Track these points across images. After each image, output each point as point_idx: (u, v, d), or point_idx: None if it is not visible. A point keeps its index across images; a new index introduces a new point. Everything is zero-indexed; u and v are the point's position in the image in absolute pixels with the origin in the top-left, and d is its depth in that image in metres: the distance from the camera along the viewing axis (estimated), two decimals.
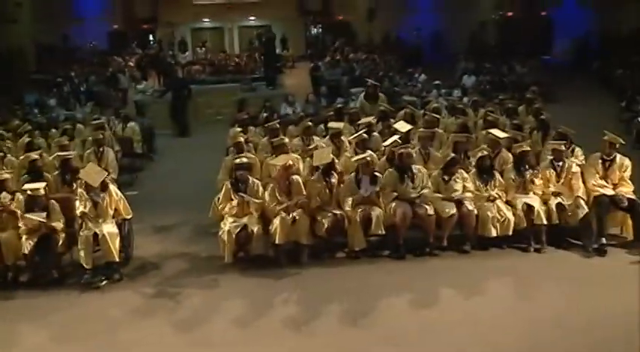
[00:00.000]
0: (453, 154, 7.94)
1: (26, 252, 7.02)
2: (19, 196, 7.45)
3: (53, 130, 11.53)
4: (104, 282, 7.09)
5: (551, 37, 25.98)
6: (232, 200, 7.46)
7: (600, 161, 7.83)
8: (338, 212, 7.49)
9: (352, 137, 8.89)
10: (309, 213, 7.51)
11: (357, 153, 8.34)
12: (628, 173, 7.79)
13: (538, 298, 6.53)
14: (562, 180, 7.77)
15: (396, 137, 8.51)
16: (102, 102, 16.37)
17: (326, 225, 7.39)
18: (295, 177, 7.64)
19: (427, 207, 7.42)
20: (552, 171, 7.81)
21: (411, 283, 6.92)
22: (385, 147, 8.53)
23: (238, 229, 7.30)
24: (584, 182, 7.76)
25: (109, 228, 7.18)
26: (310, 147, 8.63)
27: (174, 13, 26.20)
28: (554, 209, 7.56)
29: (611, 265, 7.24)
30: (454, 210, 7.49)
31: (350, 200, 7.54)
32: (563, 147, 7.85)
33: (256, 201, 7.43)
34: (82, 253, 7.04)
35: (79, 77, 18.82)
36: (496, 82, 17.66)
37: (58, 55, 23.10)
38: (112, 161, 9.69)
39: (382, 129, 9.65)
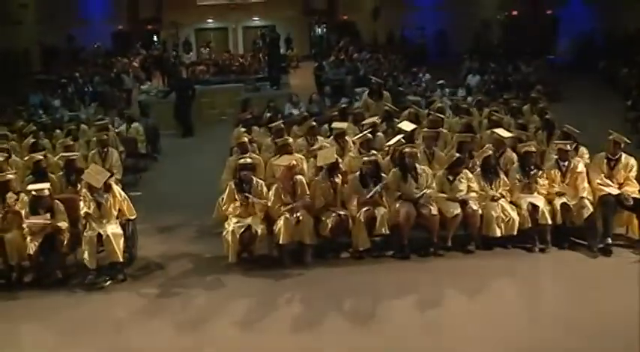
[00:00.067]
0: (457, 154, 7.90)
1: (31, 252, 7.03)
2: (24, 197, 7.47)
3: (57, 131, 11.56)
4: (108, 283, 7.10)
5: (556, 36, 25.88)
6: (236, 200, 7.45)
7: (605, 160, 7.78)
8: (342, 212, 7.48)
9: (356, 137, 8.87)
10: (313, 213, 7.50)
11: (361, 154, 8.32)
12: (634, 173, 7.74)
13: (543, 298, 6.52)
14: (567, 180, 7.73)
15: (399, 136, 8.49)
16: (106, 103, 16.41)
17: (330, 225, 7.38)
18: (299, 177, 7.63)
19: (431, 207, 7.39)
20: (557, 171, 7.77)
21: (416, 283, 6.91)
22: (389, 146, 8.51)
23: (242, 229, 7.29)
24: (589, 181, 7.72)
25: (113, 229, 7.19)
26: (314, 147, 8.61)
27: (178, 14, 26.22)
28: (559, 209, 7.52)
29: (616, 265, 7.20)
30: (458, 210, 7.46)
31: (355, 200, 7.53)
32: (568, 147, 7.80)
33: (260, 201, 7.42)
34: (86, 253, 7.05)
35: (84, 78, 18.84)
36: (501, 82, 17.59)
37: (62, 56, 23.17)
38: (116, 161, 9.71)
39: (386, 129, 9.65)
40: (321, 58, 20.53)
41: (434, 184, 7.64)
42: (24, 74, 21.37)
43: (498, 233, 7.52)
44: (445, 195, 7.63)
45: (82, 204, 7.33)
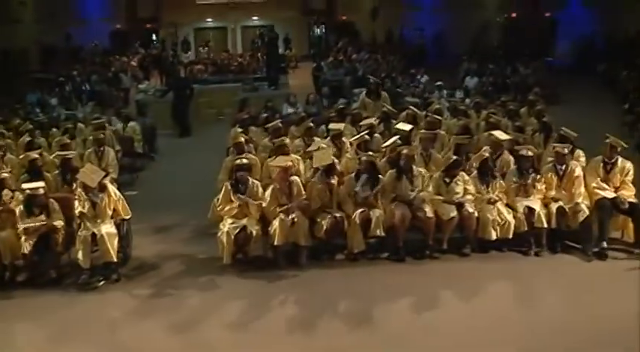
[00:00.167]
0: (454, 156, 7.88)
1: (26, 251, 7.00)
2: (19, 195, 7.45)
3: (54, 129, 11.52)
4: (102, 283, 7.06)
5: (555, 38, 25.91)
6: (232, 201, 7.43)
7: (602, 164, 7.76)
8: (338, 214, 7.46)
9: (354, 138, 8.86)
10: (308, 214, 7.48)
11: (358, 155, 8.31)
12: (630, 177, 7.73)
13: (538, 302, 6.49)
14: (564, 184, 7.70)
15: (395, 137, 8.47)
16: (104, 102, 16.39)
17: (325, 227, 7.36)
18: (295, 178, 7.60)
19: (426, 209, 7.38)
20: (554, 174, 7.75)
21: (411, 285, 6.89)
22: (385, 147, 8.49)
23: (237, 230, 7.27)
24: (585, 185, 7.70)
25: (107, 229, 7.15)
26: (310, 148, 8.59)
27: (177, 13, 26.21)
28: (555, 212, 7.50)
29: (611, 269, 7.19)
30: (455, 213, 7.45)
31: (350, 201, 7.51)
32: (565, 151, 7.78)
33: (255, 202, 7.40)
34: (80, 253, 7.01)
35: (81, 76, 18.83)
36: (499, 84, 17.60)
37: (60, 55, 23.14)
38: (112, 161, 9.68)
39: (383, 131, 9.63)
40: (319, 58, 20.53)
41: (430, 187, 7.62)
42: (22, 73, 21.34)
43: (494, 236, 7.51)
44: (441, 198, 7.61)
45: (76, 203, 7.30)
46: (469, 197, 7.61)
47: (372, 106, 11.08)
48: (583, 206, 7.49)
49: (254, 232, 7.28)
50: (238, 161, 7.67)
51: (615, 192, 7.65)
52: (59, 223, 7.18)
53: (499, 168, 8.13)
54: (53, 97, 16.36)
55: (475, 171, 7.88)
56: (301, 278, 7.16)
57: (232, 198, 7.44)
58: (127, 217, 7.61)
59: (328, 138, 9.18)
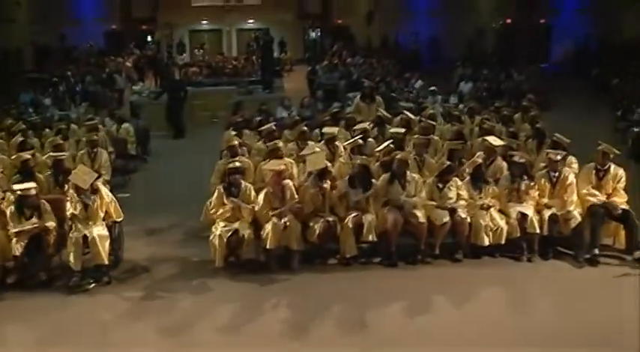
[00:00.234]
0: (448, 162, 7.89)
1: (17, 254, 6.94)
2: (10, 196, 7.40)
3: (47, 130, 11.47)
4: (92, 285, 7.02)
5: (549, 44, 26.06)
6: (224, 205, 7.41)
7: (594, 171, 7.79)
8: (330, 218, 7.45)
9: (347, 143, 8.86)
10: (301, 218, 7.47)
11: (351, 159, 8.32)
12: (622, 184, 7.75)
13: (530, 307, 6.50)
14: (557, 191, 7.71)
15: (388, 142, 8.48)
16: (97, 103, 16.34)
17: (318, 231, 7.35)
18: (288, 181, 7.59)
19: (419, 214, 7.38)
20: (547, 181, 7.76)
21: (403, 290, 6.88)
22: (378, 151, 8.49)
23: (229, 233, 7.25)
24: (577, 192, 7.72)
25: (99, 231, 7.12)
26: (303, 152, 8.57)
27: (172, 15, 26.20)
28: (547, 219, 7.52)
29: (603, 276, 7.21)
30: (447, 218, 7.45)
31: (343, 205, 7.51)
32: (558, 158, 7.80)
33: (247, 206, 7.38)
34: (71, 255, 6.97)
35: (75, 77, 18.77)
36: (493, 89, 17.65)
37: (54, 55, 23.07)
38: (105, 162, 9.65)
39: (377, 135, 9.64)
40: (314, 61, 20.55)
41: (423, 193, 7.62)
42: (16, 73, 21.27)
43: (487, 242, 7.52)
44: (434, 203, 7.61)
45: (68, 204, 7.26)
46: (462, 202, 7.61)
47: (366, 110, 11.09)
48: (575, 213, 7.52)
49: (246, 235, 7.26)
50: (232, 164, 7.66)
51: (607, 199, 7.67)
52: (51, 224, 7.14)
53: (492, 174, 8.15)
54: (47, 98, 16.30)
55: (468, 177, 7.89)
56: (293, 283, 7.14)
57: (225, 201, 7.42)
58: (119, 219, 7.58)
59: (322, 142, 9.17)
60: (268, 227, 7.23)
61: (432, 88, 15.36)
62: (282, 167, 7.65)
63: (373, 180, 7.69)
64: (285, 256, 7.47)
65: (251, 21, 26.98)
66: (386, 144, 8.44)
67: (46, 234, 7.07)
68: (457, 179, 7.79)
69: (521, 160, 7.85)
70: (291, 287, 7.04)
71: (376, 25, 26.37)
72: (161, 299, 6.81)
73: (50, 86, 17.43)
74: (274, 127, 9.57)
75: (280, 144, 8.65)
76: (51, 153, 8.87)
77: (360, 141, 8.71)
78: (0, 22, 21.80)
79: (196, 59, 23.30)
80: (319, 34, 27.13)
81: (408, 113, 10.40)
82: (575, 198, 7.63)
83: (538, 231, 7.49)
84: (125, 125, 12.18)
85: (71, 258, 6.96)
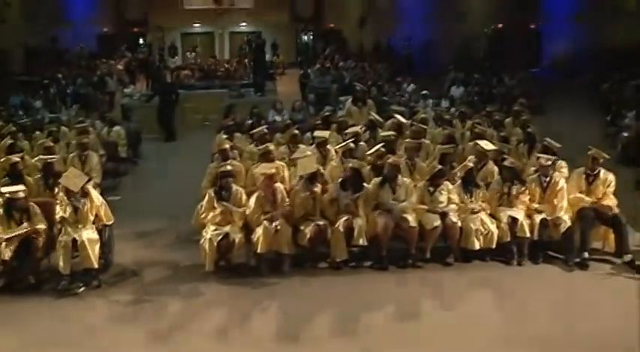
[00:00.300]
0: (439, 166, 7.90)
1: (6, 258, 6.89)
2: None
3: (37, 132, 11.40)
4: (82, 289, 6.97)
5: (540, 49, 26.24)
6: (215, 208, 7.39)
7: (584, 176, 7.83)
8: (321, 222, 7.44)
9: (339, 146, 8.86)
10: (292, 222, 7.46)
11: (343, 163, 8.32)
12: (612, 188, 7.79)
13: (520, 311, 6.51)
14: (547, 196, 7.74)
15: (380, 145, 8.49)
16: (88, 105, 16.27)
17: (308, 235, 7.33)
18: (279, 185, 7.58)
19: (410, 218, 7.38)
20: (538, 186, 7.79)
21: (394, 294, 6.89)
22: (369, 155, 8.50)
23: (220, 237, 7.23)
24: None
25: (88, 234, 7.08)
26: (294, 156, 8.57)
27: (164, 18, 26.18)
28: (538, 223, 7.54)
29: (592, 279, 7.24)
30: (438, 222, 7.46)
31: (333, 208, 7.52)
32: (549, 162, 7.83)
33: (238, 210, 7.37)
34: (60, 259, 6.92)
35: (66, 79, 18.69)
36: (484, 94, 17.70)
37: (45, 57, 22.96)
38: (95, 165, 9.60)
39: (369, 139, 9.64)
40: (307, 65, 20.56)
41: (413, 197, 7.62)
42: (6, 74, 21.13)
43: (477, 246, 7.53)
44: (425, 207, 7.62)
45: (57, 207, 7.22)
46: (453, 206, 7.63)
47: (358, 114, 11.10)
48: (565, 218, 7.56)
49: (237, 239, 7.24)
50: (224, 168, 7.64)
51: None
52: (41, 227, 7.09)
53: (483, 178, 8.17)
54: (37, 100, 16.20)
55: (459, 181, 7.91)
56: (284, 286, 7.13)
57: (216, 205, 7.40)
58: (109, 223, 7.54)
59: (313, 145, 9.17)
60: (259, 231, 7.21)
61: (424, 92, 15.40)
62: (273, 170, 7.64)
63: (365, 184, 7.69)
64: (276, 260, 7.46)
65: (243, 24, 26.98)
66: (377, 147, 8.44)
67: (36, 237, 7.02)
68: (448, 183, 7.81)
69: (512, 165, 7.87)
70: (282, 291, 7.03)
71: (368, 29, 26.45)
72: (151, 303, 6.77)
73: (41, 88, 17.34)
74: (266, 131, 9.57)
75: (272, 147, 8.65)
76: (41, 156, 8.82)
77: (352, 144, 8.72)
78: None
79: (188, 62, 23.27)
80: (311, 37, 27.16)
81: (399, 117, 10.41)
82: (565, 203, 7.66)
83: (528, 235, 7.52)
84: (116, 128, 12.14)
85: (60, 262, 6.92)
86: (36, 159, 9.04)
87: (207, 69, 21.81)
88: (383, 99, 14.96)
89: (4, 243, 6.91)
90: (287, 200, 7.52)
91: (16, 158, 8.50)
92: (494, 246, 7.58)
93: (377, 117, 10.69)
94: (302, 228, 7.42)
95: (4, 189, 7.30)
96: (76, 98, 16.94)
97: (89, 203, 7.23)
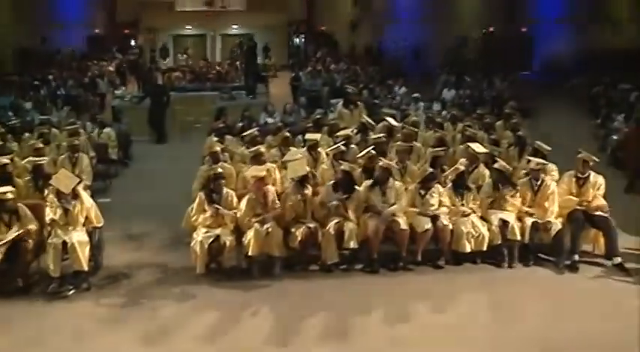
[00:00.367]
0: (430, 169, 7.91)
1: None
2: None
3: (27, 134, 11.33)
4: (71, 292, 6.92)
5: (530, 53, 26.40)
6: (206, 211, 7.37)
7: (574, 179, 7.88)
8: (312, 224, 7.44)
9: (330, 149, 8.86)
10: (283, 225, 7.45)
11: (334, 166, 8.32)
12: (601, 191, 7.85)
13: (511, 314, 6.53)
14: (538, 199, 7.77)
15: (370, 148, 8.50)
16: (79, 107, 16.19)
17: (299, 238, 7.32)
18: (270, 187, 7.57)
19: (400, 221, 7.39)
20: (529, 189, 7.82)
21: (385, 297, 6.88)
22: (359, 157, 8.51)
23: (210, 240, 7.20)
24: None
25: (78, 236, 7.03)
26: (285, 158, 8.56)
27: (156, 19, 26.11)
28: (529, 226, 7.57)
29: (583, 281, 7.28)
30: (429, 225, 7.47)
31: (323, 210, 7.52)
32: (539, 166, 7.85)
33: (229, 213, 7.35)
34: (49, 261, 6.87)
35: (57, 81, 18.59)
36: (475, 97, 17.77)
37: (36, 58, 22.84)
38: (86, 167, 9.55)
39: (360, 142, 9.65)
40: (298, 68, 20.56)
41: (403, 200, 7.62)
42: None
43: (468, 248, 7.55)
44: (416, 210, 7.64)
45: (47, 210, 7.18)
46: (444, 209, 7.65)
47: (349, 117, 11.10)
48: (556, 221, 7.61)
49: (228, 242, 7.23)
50: (219, 170, 7.62)
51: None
52: (33, 227, 7.05)
53: (474, 181, 8.20)
54: (27, 101, 16.11)
55: (450, 184, 7.93)
56: (275, 289, 7.11)
57: (207, 207, 7.38)
58: (100, 225, 7.50)
59: (305, 148, 9.17)
60: (250, 233, 7.20)
61: (415, 95, 15.45)
62: (264, 173, 7.63)
63: (356, 187, 7.70)
64: (267, 263, 7.44)
65: (235, 26, 26.94)
66: (367, 150, 8.45)
67: (26, 239, 6.95)
68: (439, 186, 7.82)
69: (502, 168, 7.89)
70: (273, 293, 7.01)
71: (360, 33, 26.51)
72: (141, 307, 6.73)
73: (31, 89, 17.24)
74: (257, 133, 9.56)
75: (263, 149, 8.64)
76: (30, 158, 8.76)
77: (343, 147, 8.72)
78: None
79: (180, 64, 23.20)
80: (303, 40, 27.18)
81: (390, 119, 10.42)
82: (556, 207, 7.70)
83: (519, 238, 7.55)
84: (107, 130, 12.09)
85: (50, 264, 6.87)
86: (25, 160, 8.98)
87: (198, 71, 21.74)
88: (374, 102, 14.98)
89: None
90: (278, 202, 7.51)
91: (5, 160, 8.45)
92: (485, 249, 7.60)
93: (369, 120, 10.70)
94: (293, 230, 7.41)
95: None
96: (66, 99, 16.85)
97: (79, 205, 7.18)
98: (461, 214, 7.65)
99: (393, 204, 7.52)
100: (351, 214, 7.50)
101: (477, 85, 18.98)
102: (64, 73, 19.72)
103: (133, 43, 26.20)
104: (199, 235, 7.23)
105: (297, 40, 27.48)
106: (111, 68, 20.90)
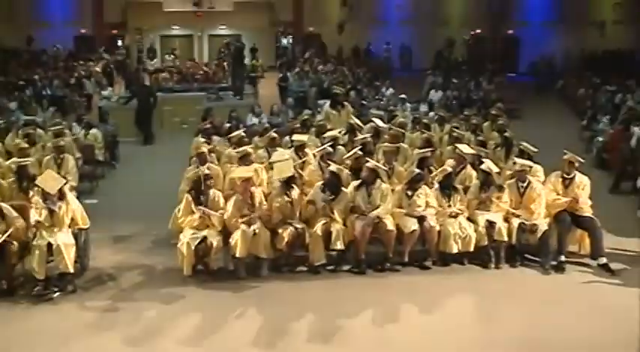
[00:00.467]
0: (417, 170, 7.92)
1: None
2: None
3: (10, 134, 11.21)
4: (57, 294, 6.86)
5: (517, 55, 26.61)
6: (193, 213, 7.33)
7: (560, 179, 7.94)
8: (299, 226, 7.43)
9: (317, 150, 8.85)
10: (270, 226, 7.43)
11: (321, 167, 8.32)
12: (587, 191, 7.90)
13: (497, 314, 6.57)
14: (524, 201, 7.80)
15: (357, 148, 8.50)
16: (65, 108, 16.05)
17: (286, 239, 7.31)
18: (256, 188, 7.55)
19: (387, 222, 7.40)
20: (516, 191, 7.86)
21: (372, 298, 6.90)
22: (346, 158, 8.51)
23: (197, 241, 7.18)
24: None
25: (64, 238, 6.97)
26: (271, 159, 8.53)
27: (143, 20, 25.93)
28: (516, 227, 7.61)
29: (569, 282, 7.34)
30: (416, 226, 7.49)
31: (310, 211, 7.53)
32: (524, 168, 7.89)
33: (215, 214, 7.32)
34: (34, 263, 6.80)
35: (43, 81, 18.42)
36: (462, 98, 17.85)
37: (21, 58, 22.62)
38: (72, 168, 9.46)
39: (347, 142, 9.65)
40: (286, 69, 20.52)
41: (388, 203, 7.61)
42: None
43: (455, 249, 7.58)
44: (403, 211, 7.65)
45: (32, 211, 7.11)
46: (431, 210, 7.66)
47: (336, 118, 11.09)
48: (543, 222, 7.65)
49: (214, 243, 7.20)
50: (207, 171, 7.58)
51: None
52: (21, 225, 6.99)
53: (461, 182, 8.23)
54: (12, 101, 15.93)
55: (437, 185, 7.95)
56: (262, 290, 7.10)
57: (194, 209, 7.35)
58: (85, 226, 7.44)
59: (292, 149, 9.15)
60: (237, 235, 7.17)
61: (402, 96, 15.48)
62: (251, 173, 7.61)
63: (343, 188, 7.69)
64: (254, 264, 7.43)
65: (223, 27, 26.84)
66: (354, 150, 8.45)
67: (12, 241, 6.88)
68: (426, 187, 7.84)
69: (488, 169, 7.92)
70: (260, 295, 7.00)
71: (347, 34, 26.55)
72: (128, 309, 6.69)
73: (16, 90, 17.06)
74: (244, 134, 9.53)
75: (250, 149, 8.61)
76: (15, 159, 8.67)
77: (329, 148, 8.71)
78: None
79: (167, 65, 23.03)
80: (291, 41, 27.14)
81: (376, 121, 10.43)
82: (542, 209, 7.74)
83: (506, 239, 7.59)
84: (93, 131, 12.00)
85: (35, 266, 6.80)
86: (10, 161, 8.89)
87: (185, 72, 21.58)
88: (362, 103, 15.00)
89: None
90: (265, 203, 7.50)
91: None
92: (472, 250, 7.63)
93: (357, 121, 10.69)
94: (280, 231, 7.39)
95: None
96: (52, 100, 16.68)
97: (65, 206, 7.12)
98: (448, 215, 7.67)
99: (378, 206, 7.52)
100: (337, 215, 7.50)
101: (464, 86, 19.06)
102: (49, 73, 19.53)
103: (120, 43, 26.00)
104: (186, 236, 7.20)
105: (284, 41, 27.43)
106: (98, 68, 20.71)
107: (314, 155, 8.84)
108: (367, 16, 26.45)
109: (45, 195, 7.04)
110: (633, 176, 10.40)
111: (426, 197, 7.72)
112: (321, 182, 7.73)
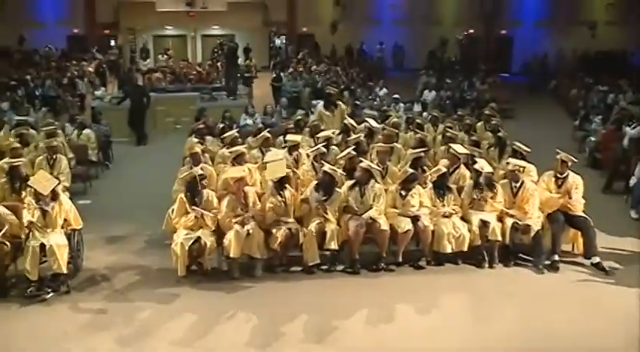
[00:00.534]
0: (411, 170, 7.93)
1: None
2: None
3: (1, 134, 11.16)
4: (50, 295, 6.83)
5: (510, 55, 26.70)
6: (187, 213, 7.32)
7: (554, 179, 7.98)
8: (293, 226, 7.43)
9: (310, 150, 8.85)
10: (264, 226, 7.42)
11: (314, 167, 8.32)
12: (580, 191, 7.94)
13: (492, 313, 6.59)
14: (518, 201, 7.83)
15: (350, 148, 8.51)
16: (58, 108, 15.97)
17: (280, 239, 7.31)
18: (250, 188, 7.55)
19: (381, 222, 7.41)
20: (509, 191, 7.88)
21: (366, 298, 6.90)
22: (340, 158, 8.51)
23: (191, 241, 7.16)
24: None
25: (57, 239, 6.95)
26: (265, 159, 8.52)
27: (136, 20, 25.87)
28: (509, 227, 7.63)
29: (563, 281, 7.36)
30: (410, 226, 7.50)
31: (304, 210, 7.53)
32: (516, 168, 7.92)
33: (209, 214, 7.31)
34: (27, 264, 6.77)
35: (35, 81, 18.33)
36: (456, 98, 17.89)
37: (13, 58, 22.52)
38: (64, 169, 9.42)
39: (341, 143, 9.65)
40: (279, 69, 20.51)
41: (381, 203, 7.60)
42: None
43: (449, 249, 7.59)
44: (397, 211, 7.66)
45: (25, 212, 7.08)
46: (425, 210, 7.68)
47: (330, 118, 11.09)
48: (536, 222, 7.67)
49: (208, 243, 7.19)
50: (200, 171, 7.56)
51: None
52: (14, 221, 6.97)
53: (455, 182, 8.24)
54: (4, 102, 15.85)
55: (430, 185, 7.97)
56: (256, 291, 7.09)
57: (188, 209, 7.33)
58: (79, 227, 7.42)
59: (285, 149, 9.14)
60: (231, 235, 7.17)
61: (396, 96, 15.50)
62: (244, 173, 7.60)
63: (337, 189, 7.69)
64: (248, 264, 7.42)
65: (216, 27, 26.81)
66: (348, 150, 8.45)
67: (4, 241, 6.85)
68: (420, 187, 7.85)
69: (481, 169, 7.94)
70: (254, 295, 6.99)
71: (341, 34, 26.58)
72: (121, 309, 6.67)
73: (8, 90, 16.97)
74: (237, 134, 9.51)
75: (243, 150, 8.60)
76: (7, 159, 8.63)
77: (323, 148, 8.71)
78: None
79: (160, 65, 22.98)
80: (284, 41, 27.13)
81: (371, 121, 10.43)
82: (536, 210, 7.77)
83: (500, 238, 7.61)
84: (86, 131, 11.95)
85: (28, 267, 6.77)
86: (2, 161, 8.84)
87: (179, 72, 21.55)
88: (355, 103, 15.00)
89: None
90: (259, 203, 7.49)
91: None
92: (466, 249, 7.65)
93: (351, 121, 10.69)
94: (274, 231, 7.39)
95: None
96: (44, 100, 16.61)
97: (58, 207, 7.10)
98: (442, 215, 7.69)
99: (371, 206, 7.52)
100: (331, 215, 7.50)
101: (457, 86, 19.11)
102: (42, 73, 19.44)
103: (112, 43, 25.92)
104: (180, 237, 7.19)
105: (278, 41, 27.42)
106: (90, 68, 20.64)
107: (307, 155, 8.83)
108: (360, 16, 26.48)
109: (38, 196, 7.02)
110: (625, 176, 10.46)
111: (420, 197, 7.73)
112: (315, 182, 7.73)
